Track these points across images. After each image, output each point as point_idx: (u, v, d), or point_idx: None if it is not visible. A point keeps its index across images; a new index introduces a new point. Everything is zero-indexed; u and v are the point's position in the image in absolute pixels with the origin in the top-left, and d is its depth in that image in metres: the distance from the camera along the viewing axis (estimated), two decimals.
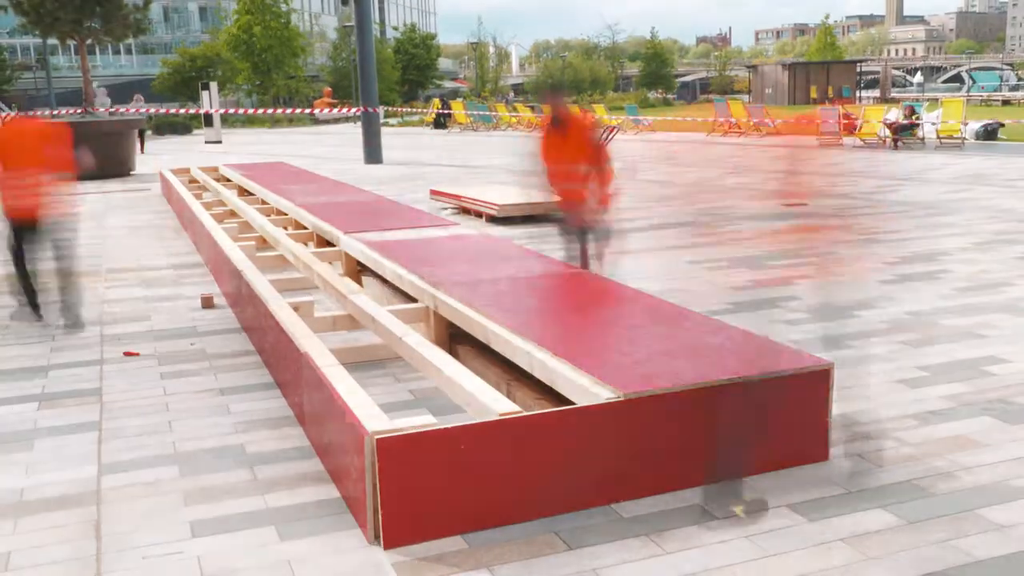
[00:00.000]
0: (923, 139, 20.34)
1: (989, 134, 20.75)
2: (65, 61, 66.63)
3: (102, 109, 18.77)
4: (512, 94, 79.27)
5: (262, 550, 3.14)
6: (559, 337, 4.20)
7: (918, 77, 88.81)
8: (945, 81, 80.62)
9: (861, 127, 21.54)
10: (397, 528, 3.14)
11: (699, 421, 3.51)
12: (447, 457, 3.18)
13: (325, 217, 8.23)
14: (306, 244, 8.21)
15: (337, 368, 3.84)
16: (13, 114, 19.06)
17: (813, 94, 48.54)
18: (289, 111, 41.28)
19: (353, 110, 25.79)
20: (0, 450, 4.10)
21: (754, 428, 3.46)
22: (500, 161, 20.28)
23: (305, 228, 8.66)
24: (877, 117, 21.62)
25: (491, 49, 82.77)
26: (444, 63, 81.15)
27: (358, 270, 6.86)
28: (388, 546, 3.13)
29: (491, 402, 3.48)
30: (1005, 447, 3.86)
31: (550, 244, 7.76)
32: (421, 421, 3.27)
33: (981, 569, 2.92)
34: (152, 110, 18.67)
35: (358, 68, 21.37)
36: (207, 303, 6.82)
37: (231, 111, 39.27)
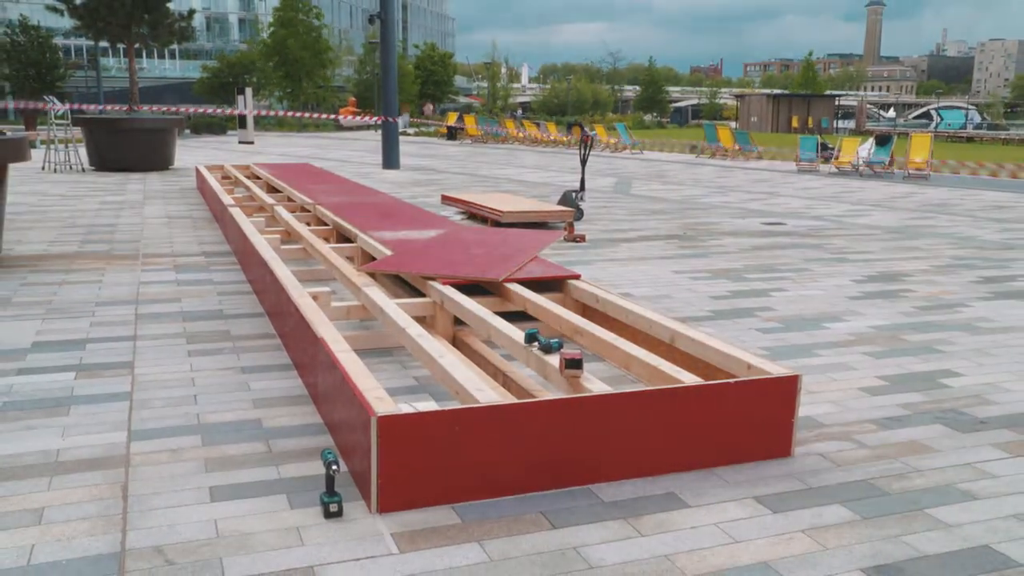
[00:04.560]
0: (892, 170, 20.37)
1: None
2: (114, 63, 66.72)
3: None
4: (520, 111, 79.33)
5: (274, 516, 3.14)
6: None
7: (891, 112, 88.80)
8: (915, 117, 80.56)
9: (837, 156, 21.57)
10: (392, 495, 3.15)
11: (671, 416, 3.52)
12: (441, 436, 3.18)
13: (345, 215, 8.24)
14: (327, 239, 8.22)
15: (349, 354, 3.84)
16: (64, 108, 19.07)
17: (794, 123, 48.62)
18: (316, 116, 41.24)
19: (374, 119, 25.80)
20: (39, 414, 4.10)
21: None
22: (506, 172, 20.28)
23: (326, 224, 8.67)
24: (852, 147, 21.66)
25: (503, 69, 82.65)
26: (459, 80, 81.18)
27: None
28: (383, 510, 3.14)
29: (476, 392, 3.48)
30: (955, 453, 3.86)
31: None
32: (423, 405, 3.28)
33: (928, 563, 2.92)
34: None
35: (381, 81, 21.38)
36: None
37: (264, 114, 39.28)
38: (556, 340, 4.07)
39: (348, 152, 27.66)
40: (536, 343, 4.07)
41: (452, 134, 37.34)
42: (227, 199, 10.00)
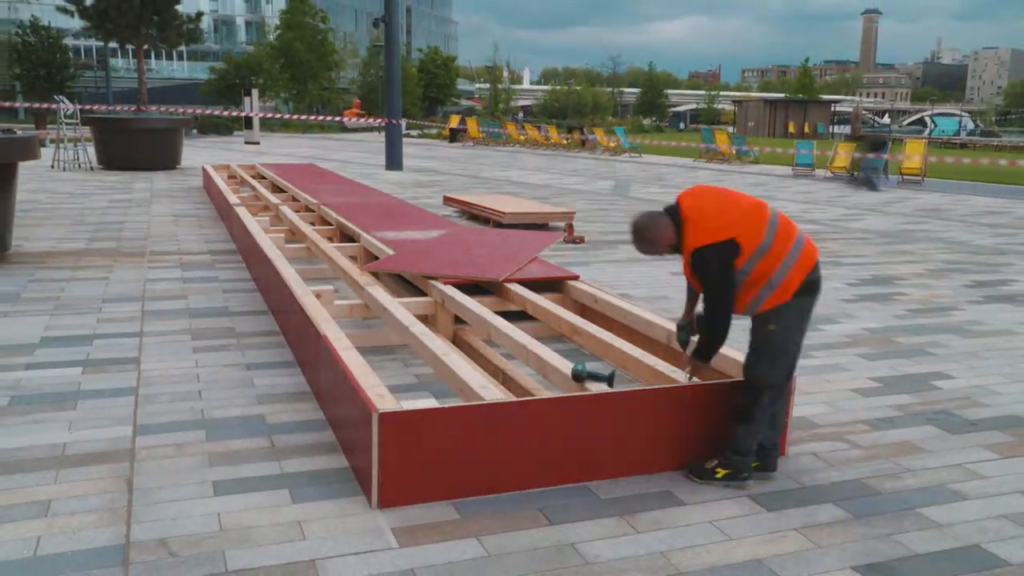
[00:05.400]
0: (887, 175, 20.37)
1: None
2: (123, 63, 66.67)
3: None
4: (522, 114, 79.31)
5: (276, 510, 3.14)
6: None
7: (886, 119, 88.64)
8: (909, 124, 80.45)
9: (833, 161, 21.56)
10: (392, 491, 3.16)
11: (668, 415, 3.52)
12: (441, 433, 3.18)
13: (348, 215, 8.23)
14: (330, 239, 8.22)
15: (351, 351, 3.84)
16: (74, 107, 19.06)
17: (791, 129, 48.57)
18: (321, 118, 41.18)
19: (378, 120, 25.81)
20: (47, 408, 4.10)
21: None
22: (507, 174, 20.28)
23: (330, 224, 8.66)
24: (848, 152, 21.65)
25: (505, 73, 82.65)
26: (462, 83, 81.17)
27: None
28: (383, 506, 3.14)
29: (480, 389, 3.48)
30: (945, 454, 3.86)
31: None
32: (423, 402, 3.28)
33: (919, 562, 2.92)
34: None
35: (385, 83, 21.38)
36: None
37: (269, 115, 39.23)
38: (611, 370, 3.65)
39: (352, 153, 27.66)
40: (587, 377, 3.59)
41: (454, 136, 37.33)
42: (233, 198, 10.00)
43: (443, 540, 2.95)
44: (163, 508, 3.12)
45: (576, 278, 5.68)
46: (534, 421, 3.31)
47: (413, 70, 60.88)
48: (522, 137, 35.04)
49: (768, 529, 3.12)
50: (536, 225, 10.27)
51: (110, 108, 29.16)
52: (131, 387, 4.42)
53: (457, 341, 5.18)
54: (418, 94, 59.99)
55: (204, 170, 14.61)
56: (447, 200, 12.49)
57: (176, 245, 8.91)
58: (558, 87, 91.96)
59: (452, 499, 3.22)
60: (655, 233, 3.43)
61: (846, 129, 54.94)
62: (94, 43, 56.78)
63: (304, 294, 4.94)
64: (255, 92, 33.42)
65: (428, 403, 3.28)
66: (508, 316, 5.05)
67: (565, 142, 32.84)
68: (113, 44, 45.99)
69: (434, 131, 42.99)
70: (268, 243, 6.69)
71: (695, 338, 3.64)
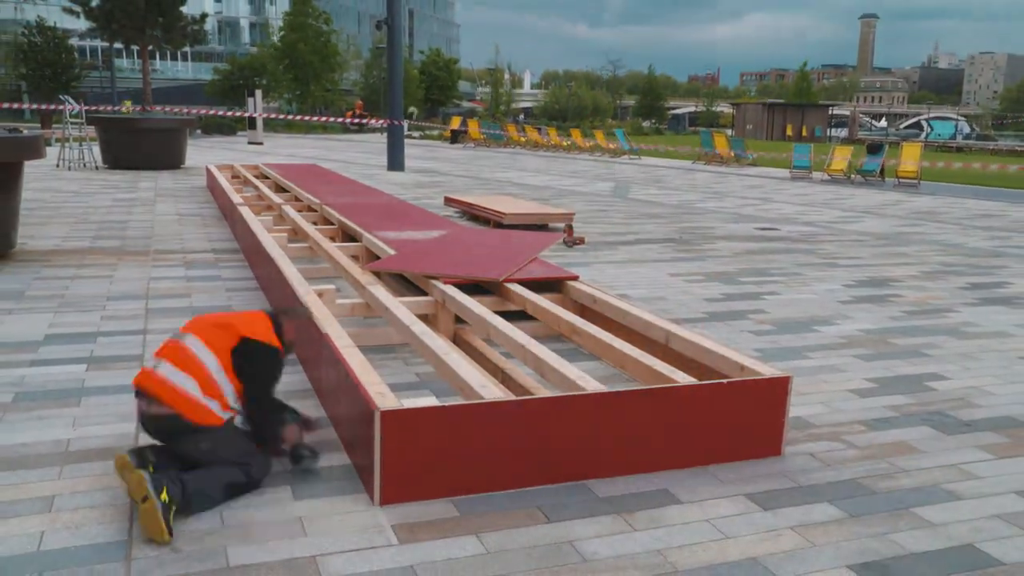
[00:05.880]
0: (883, 178, 20.38)
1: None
2: (128, 64, 66.73)
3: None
4: (523, 116, 79.31)
5: (278, 507, 3.14)
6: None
7: (882, 122, 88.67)
8: (906, 127, 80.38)
9: (830, 163, 21.57)
10: (394, 488, 3.15)
11: (666, 414, 3.52)
12: (441, 431, 3.18)
13: (350, 215, 8.23)
14: (333, 238, 8.21)
15: (353, 350, 3.84)
16: (79, 107, 19.04)
17: (788, 132, 48.61)
18: (324, 119, 41.16)
19: (380, 122, 25.78)
20: (51, 405, 4.09)
21: None
22: (508, 175, 20.28)
23: (332, 224, 8.66)
24: (844, 155, 21.67)
25: (506, 75, 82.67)
26: (463, 85, 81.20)
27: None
28: (385, 503, 3.14)
29: (480, 388, 3.48)
30: (940, 454, 3.86)
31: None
32: (424, 400, 3.28)
33: (913, 561, 2.92)
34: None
35: (387, 85, 21.38)
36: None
37: (273, 116, 39.22)
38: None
39: (354, 154, 27.66)
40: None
41: (455, 137, 37.34)
42: (236, 198, 10.00)
43: (443, 537, 2.95)
44: None
45: (576, 278, 5.68)
46: (533, 420, 3.31)
47: (415, 72, 60.92)
48: (522, 139, 35.05)
49: (764, 528, 3.12)
50: (536, 226, 10.27)
51: (115, 108, 29.16)
52: None
53: (457, 340, 5.18)
54: (420, 96, 60.05)
55: (208, 170, 14.61)
56: (448, 201, 12.50)
57: (180, 244, 8.90)
58: (558, 89, 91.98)
59: (452, 496, 3.22)
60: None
61: (843, 132, 55.01)
62: (99, 43, 56.79)
63: (306, 293, 4.94)
64: (259, 93, 33.42)
65: (429, 401, 3.28)
66: (508, 316, 5.05)
67: (565, 144, 32.85)
68: (118, 45, 46.00)
69: (435, 132, 42.98)
70: (271, 242, 6.69)
71: None
